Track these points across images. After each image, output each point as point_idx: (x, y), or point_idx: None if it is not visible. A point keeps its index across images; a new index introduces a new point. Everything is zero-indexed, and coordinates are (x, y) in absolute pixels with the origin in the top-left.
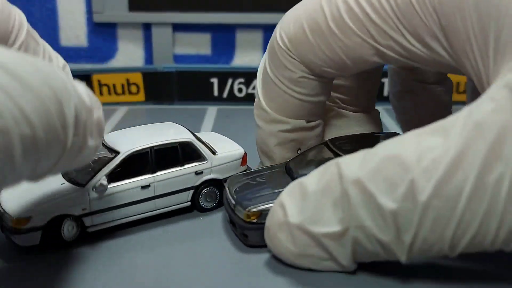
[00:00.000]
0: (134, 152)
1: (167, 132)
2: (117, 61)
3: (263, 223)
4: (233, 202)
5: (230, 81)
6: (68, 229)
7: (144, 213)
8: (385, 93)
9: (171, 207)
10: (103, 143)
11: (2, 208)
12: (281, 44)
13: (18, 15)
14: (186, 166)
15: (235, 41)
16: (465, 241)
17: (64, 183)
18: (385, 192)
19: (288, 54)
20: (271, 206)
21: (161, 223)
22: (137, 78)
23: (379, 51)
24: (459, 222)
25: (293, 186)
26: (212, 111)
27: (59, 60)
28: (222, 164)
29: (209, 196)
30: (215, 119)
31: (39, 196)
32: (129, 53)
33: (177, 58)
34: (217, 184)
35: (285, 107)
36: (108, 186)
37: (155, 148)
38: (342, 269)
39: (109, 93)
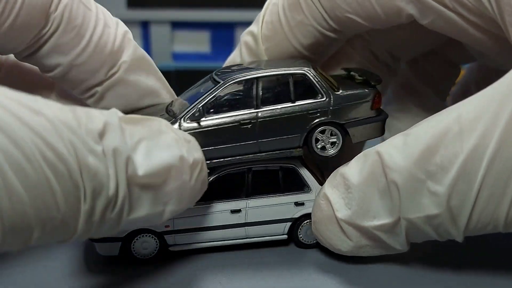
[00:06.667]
0: (228, 171)
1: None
2: None
3: None
4: None
5: None
6: (147, 245)
7: (233, 239)
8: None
9: (263, 238)
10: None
11: None
12: None
13: None
14: (285, 194)
15: (235, 38)
16: None
17: None
18: (436, 177)
19: None
20: None
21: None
22: None
23: None
24: None
25: (334, 177)
26: None
27: (118, 28)
28: None
29: (310, 230)
30: None
31: None
32: None
33: (176, 56)
34: None
35: (278, 49)
36: (194, 206)
37: (253, 169)
38: (396, 252)
39: None
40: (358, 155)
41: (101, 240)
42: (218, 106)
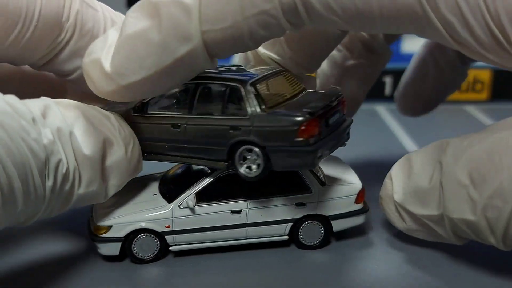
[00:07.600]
0: (229, 172)
1: None
2: None
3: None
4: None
5: None
6: (148, 246)
7: (233, 240)
8: (386, 93)
9: (264, 239)
10: None
11: (92, 211)
12: None
13: None
14: (286, 195)
15: None
16: None
17: (156, 193)
18: (476, 185)
19: None
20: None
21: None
22: None
23: None
24: None
25: (403, 160)
26: None
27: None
28: (330, 199)
29: (311, 231)
30: None
31: (127, 205)
32: None
33: None
34: (322, 219)
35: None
36: (195, 206)
37: None
38: (449, 242)
39: None
40: (433, 143)
41: (103, 240)
42: (160, 104)
